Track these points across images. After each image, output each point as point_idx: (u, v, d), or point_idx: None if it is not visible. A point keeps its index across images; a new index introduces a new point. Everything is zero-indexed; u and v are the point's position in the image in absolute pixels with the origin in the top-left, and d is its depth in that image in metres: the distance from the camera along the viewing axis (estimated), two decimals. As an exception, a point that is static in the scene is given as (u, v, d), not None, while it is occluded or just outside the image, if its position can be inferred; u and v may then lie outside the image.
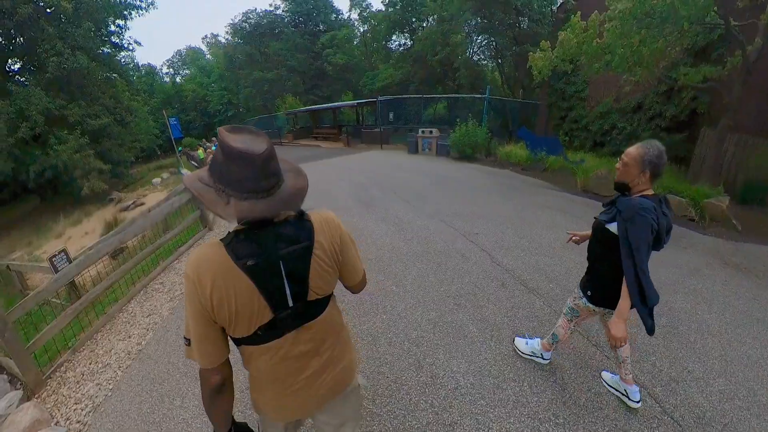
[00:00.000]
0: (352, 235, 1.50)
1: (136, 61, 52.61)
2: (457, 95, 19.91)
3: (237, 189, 1.15)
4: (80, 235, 15.02)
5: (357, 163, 14.36)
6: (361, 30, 42.19)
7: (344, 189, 9.69)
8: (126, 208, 16.34)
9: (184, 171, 9.40)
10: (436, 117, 20.69)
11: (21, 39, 21.12)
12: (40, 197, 24.25)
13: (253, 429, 1.53)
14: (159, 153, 42.55)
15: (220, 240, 1.22)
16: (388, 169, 12.25)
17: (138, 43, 30.33)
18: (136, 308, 4.94)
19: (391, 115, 20.34)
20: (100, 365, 3.85)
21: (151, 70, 56.38)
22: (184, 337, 1.29)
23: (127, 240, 5.46)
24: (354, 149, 19.55)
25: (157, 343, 4.04)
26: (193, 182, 1.23)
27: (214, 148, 13.17)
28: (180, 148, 28.78)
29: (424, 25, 34.44)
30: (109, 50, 26.35)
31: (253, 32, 44.46)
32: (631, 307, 2.19)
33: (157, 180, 22.26)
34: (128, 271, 5.33)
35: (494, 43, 25.25)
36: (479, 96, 17.04)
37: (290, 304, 1.26)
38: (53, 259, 5.46)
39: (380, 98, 20.66)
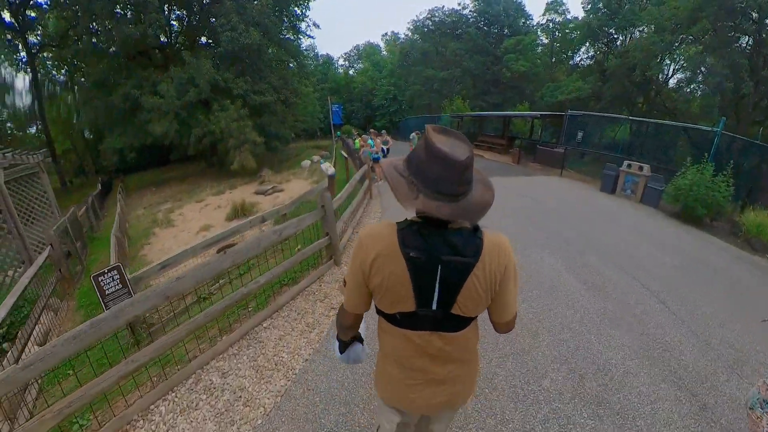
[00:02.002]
0: (517, 271, 1.31)
1: (316, 50, 56.98)
2: (679, 124, 15.03)
3: (429, 187, 1.16)
4: (213, 207, 14.66)
5: (538, 192, 10.97)
6: (551, 36, 38.72)
7: (542, 242, 6.53)
8: (264, 192, 15.52)
9: (324, 165, 7.77)
10: (615, 144, 16.14)
11: (214, 19, 22.39)
12: (206, 161, 26.01)
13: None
14: (319, 134, 45.17)
15: (396, 223, 1.27)
16: (592, 217, 8.61)
17: (316, 26, 29.85)
18: (161, 425, 2.75)
19: (579, 135, 16.39)
20: None
21: (327, 60, 60.50)
22: (344, 278, 1.43)
23: (204, 279, 3.36)
24: (525, 169, 16.13)
25: None
26: (390, 170, 1.27)
27: (370, 141, 11.32)
28: (338, 134, 28.84)
29: (626, 36, 29.61)
30: (291, 36, 27.02)
31: (434, 30, 44.13)
32: None
33: (306, 162, 21.79)
34: (192, 332, 3.25)
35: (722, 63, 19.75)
36: (706, 128, 12.28)
37: (434, 307, 1.27)
38: (100, 279, 3.59)
39: (570, 112, 16.89)
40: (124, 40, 19.64)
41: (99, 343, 2.75)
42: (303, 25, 28.00)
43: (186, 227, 12.22)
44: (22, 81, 29.81)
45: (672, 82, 28.00)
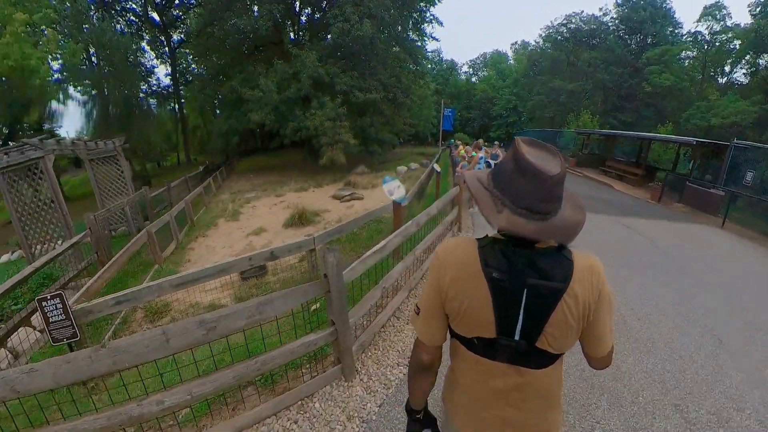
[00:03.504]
0: (614, 297, 1.16)
1: (441, 55, 57.00)
2: None
3: (516, 203, 1.07)
4: (285, 206, 13.76)
5: (695, 253, 7.50)
6: (704, 48, 34.44)
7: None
8: (340, 198, 14.50)
9: (390, 185, 6.52)
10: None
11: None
12: (307, 150, 26.27)
13: (439, 429, 1.48)
14: (429, 140, 44.34)
15: (477, 239, 1.17)
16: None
17: (439, 22, 27.50)
18: None
19: (749, 176, 12.97)
20: None
21: (451, 66, 60.01)
22: (416, 305, 1.30)
23: (65, 380, 2.09)
24: (669, 211, 12.53)
25: None
26: (474, 182, 1.20)
27: (480, 156, 9.60)
28: (451, 141, 27.37)
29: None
30: (415, 37, 26.19)
31: (568, 38, 41.50)
32: None
33: (402, 168, 20.83)
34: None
35: None
36: None
37: (516, 337, 1.12)
38: (44, 305, 2.91)
39: (736, 142, 13.51)
40: (240, 32, 20.70)
41: None
42: (427, 27, 26.87)
43: (245, 225, 11.72)
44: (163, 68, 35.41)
45: None
